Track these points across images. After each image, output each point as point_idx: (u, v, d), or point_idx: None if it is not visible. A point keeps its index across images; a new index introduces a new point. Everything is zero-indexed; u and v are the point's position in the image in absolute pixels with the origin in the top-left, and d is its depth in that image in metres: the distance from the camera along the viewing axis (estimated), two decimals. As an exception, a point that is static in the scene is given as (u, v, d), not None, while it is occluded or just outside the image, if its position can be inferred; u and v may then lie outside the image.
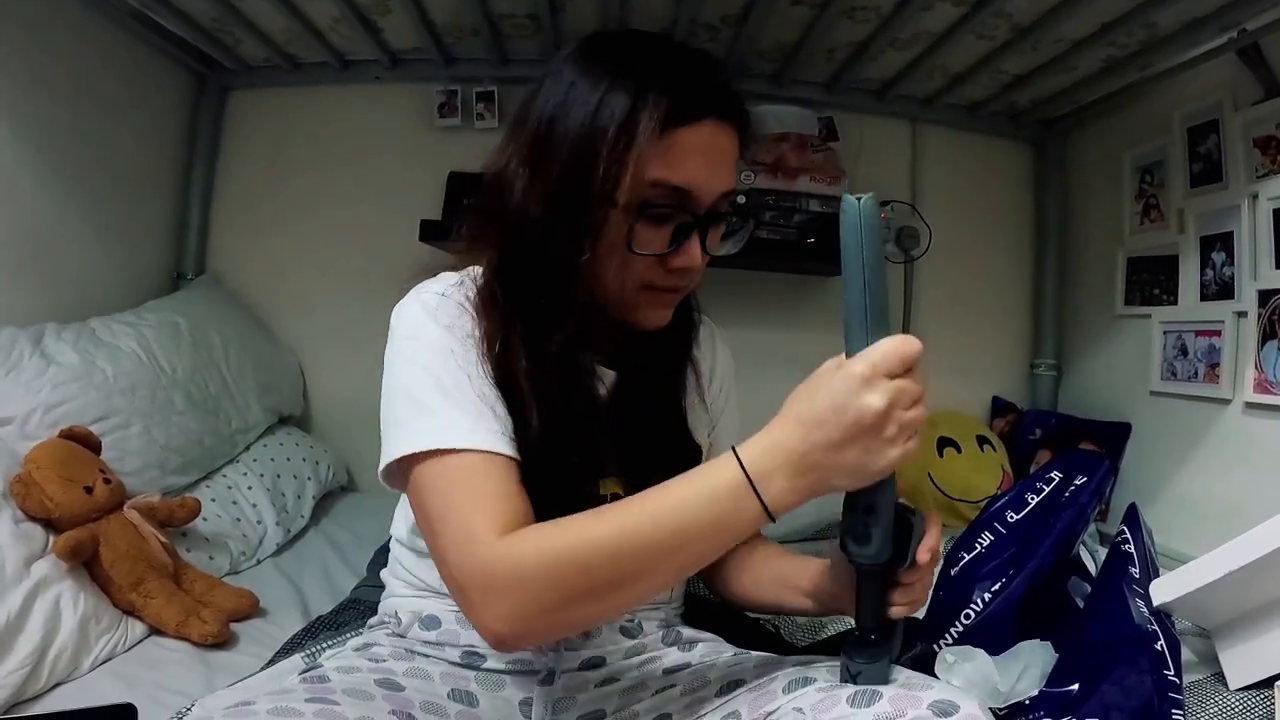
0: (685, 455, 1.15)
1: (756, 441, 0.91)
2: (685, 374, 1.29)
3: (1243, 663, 1.35)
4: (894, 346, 0.86)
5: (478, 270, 1.17)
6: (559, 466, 1.01)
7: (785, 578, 1.27)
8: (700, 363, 1.34)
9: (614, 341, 1.21)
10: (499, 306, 1.10)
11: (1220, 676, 1.38)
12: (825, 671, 1.03)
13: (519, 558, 0.92)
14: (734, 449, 0.91)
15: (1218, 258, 2.49)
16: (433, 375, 1.05)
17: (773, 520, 0.90)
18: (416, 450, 1.01)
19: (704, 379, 1.34)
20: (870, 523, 0.95)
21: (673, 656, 1.24)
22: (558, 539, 0.92)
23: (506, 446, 1.02)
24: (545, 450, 1.05)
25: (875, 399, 0.84)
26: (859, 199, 0.87)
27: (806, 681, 1.01)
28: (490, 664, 1.17)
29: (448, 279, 1.17)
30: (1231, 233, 2.43)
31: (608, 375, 1.20)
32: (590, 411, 1.14)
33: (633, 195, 1.02)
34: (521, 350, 1.07)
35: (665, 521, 0.91)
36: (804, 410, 0.88)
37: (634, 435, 1.17)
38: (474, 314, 1.11)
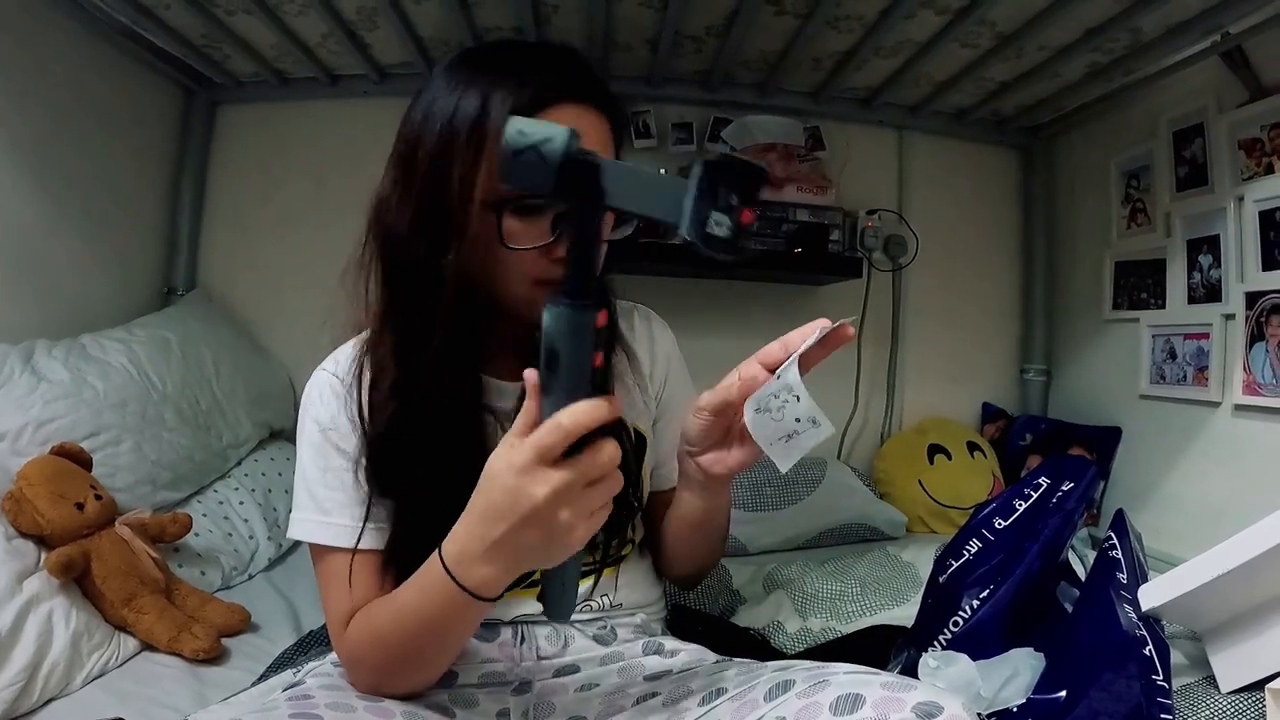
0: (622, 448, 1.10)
1: (452, 534, 0.95)
2: (608, 366, 1.23)
3: (1234, 665, 1.35)
4: (549, 431, 0.85)
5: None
6: (450, 487, 1.01)
7: (673, 511, 1.28)
8: (637, 351, 1.33)
9: (528, 351, 1.18)
10: (382, 346, 1.12)
11: (1212, 680, 1.37)
12: (805, 673, 1.02)
13: (350, 648, 1.10)
14: (439, 547, 0.96)
15: (1205, 261, 2.50)
16: (305, 467, 1.17)
17: (489, 601, 0.96)
18: (292, 537, 1.17)
19: (643, 366, 1.34)
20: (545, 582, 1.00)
21: (653, 663, 1.23)
22: (365, 627, 1.08)
23: (352, 539, 1.11)
24: (434, 479, 1.08)
25: (539, 490, 0.85)
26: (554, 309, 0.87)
27: (787, 686, 1.01)
28: (462, 680, 1.18)
29: (347, 347, 1.20)
30: (1218, 236, 2.44)
31: (512, 388, 1.19)
32: (472, 430, 1.14)
33: (493, 191, 1.02)
34: (396, 385, 1.10)
35: (412, 619, 1.01)
36: (481, 503, 0.91)
37: None
38: (359, 371, 1.15)
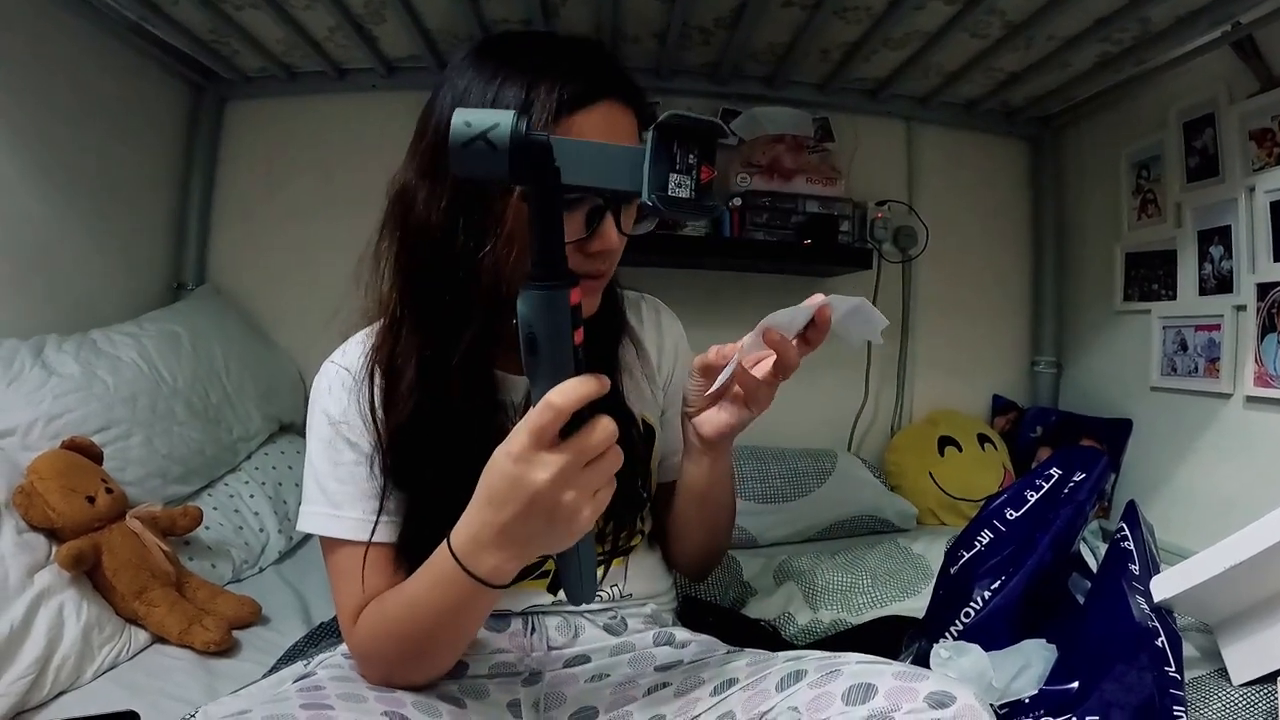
0: (628, 437, 1.08)
1: (461, 523, 0.95)
2: (615, 358, 1.28)
3: (1245, 657, 1.34)
4: (540, 412, 0.84)
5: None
6: (467, 480, 1.01)
7: (678, 486, 1.31)
8: (645, 342, 1.36)
9: None
10: (399, 339, 1.12)
11: (1223, 672, 1.37)
12: (816, 664, 1.03)
13: (361, 641, 1.11)
14: (448, 537, 0.96)
15: (1216, 251, 2.49)
16: (315, 460, 1.17)
17: (499, 589, 0.96)
18: (302, 530, 1.17)
19: (651, 357, 1.36)
20: (561, 565, 0.99)
21: (664, 653, 1.24)
22: (377, 619, 1.09)
23: (363, 532, 1.12)
24: (448, 474, 1.08)
25: (539, 474, 0.85)
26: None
27: (799, 676, 1.01)
28: (473, 670, 1.18)
29: (356, 340, 1.21)
30: (1229, 226, 2.43)
31: (520, 381, 1.20)
32: (487, 425, 1.13)
33: None
34: (416, 379, 1.10)
35: (421, 609, 1.02)
36: (486, 492, 0.91)
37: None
38: (371, 365, 1.15)
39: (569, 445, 0.85)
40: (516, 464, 0.85)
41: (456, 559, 0.94)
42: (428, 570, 1.01)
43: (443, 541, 0.97)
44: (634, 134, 1.10)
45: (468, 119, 0.79)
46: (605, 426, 0.87)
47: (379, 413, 1.12)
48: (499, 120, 0.78)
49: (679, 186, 0.83)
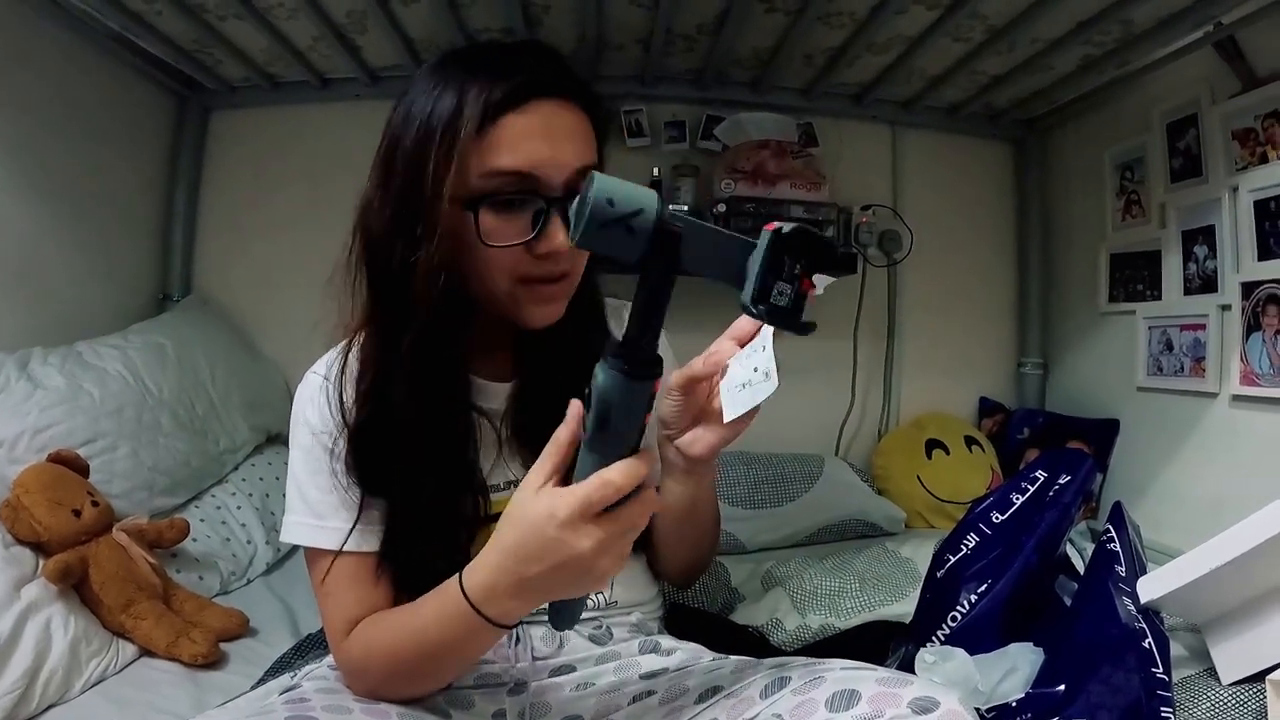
0: None
1: (478, 565, 0.95)
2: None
3: (1234, 657, 1.34)
4: (599, 488, 0.85)
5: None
6: (443, 492, 1.00)
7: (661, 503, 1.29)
8: None
9: (517, 351, 1.23)
10: (362, 346, 1.14)
11: (1212, 671, 1.37)
12: (800, 670, 1.02)
13: (353, 656, 1.10)
14: (460, 575, 0.97)
15: (1200, 251, 2.50)
16: (297, 470, 1.18)
17: (509, 629, 0.97)
18: (286, 541, 1.19)
19: None
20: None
21: (650, 661, 1.23)
22: (372, 639, 1.08)
23: (351, 542, 1.12)
24: (427, 480, 1.09)
25: (584, 543, 0.85)
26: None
27: (783, 683, 1.01)
28: (458, 682, 1.18)
29: (338, 350, 1.21)
30: (1213, 226, 2.44)
31: (501, 389, 1.21)
32: (458, 431, 1.15)
33: (464, 188, 1.03)
34: (371, 384, 1.11)
35: (426, 640, 1.02)
36: (514, 544, 0.90)
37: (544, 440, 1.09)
38: (344, 370, 1.16)
39: (617, 519, 0.86)
40: (561, 530, 0.85)
41: (469, 600, 0.94)
42: (436, 603, 1.01)
43: (453, 577, 0.97)
44: (583, 131, 1.10)
45: (611, 197, 0.77)
46: (649, 499, 0.88)
47: (347, 417, 1.13)
48: (643, 206, 0.77)
49: (779, 295, 0.82)
